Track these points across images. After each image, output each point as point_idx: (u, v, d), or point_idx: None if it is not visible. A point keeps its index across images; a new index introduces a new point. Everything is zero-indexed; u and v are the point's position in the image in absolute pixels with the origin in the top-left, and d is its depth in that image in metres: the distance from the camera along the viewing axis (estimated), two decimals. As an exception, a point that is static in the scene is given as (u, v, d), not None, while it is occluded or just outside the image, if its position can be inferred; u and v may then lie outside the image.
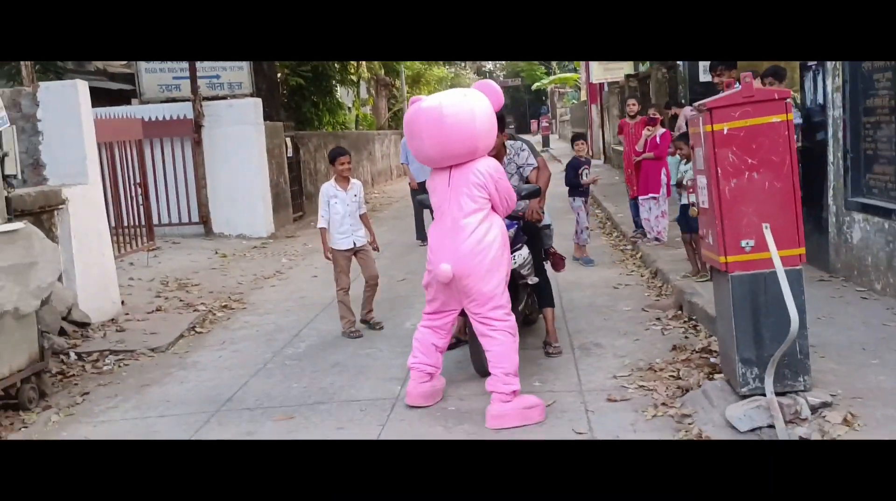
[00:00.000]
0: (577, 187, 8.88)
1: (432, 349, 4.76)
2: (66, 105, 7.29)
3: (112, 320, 7.28)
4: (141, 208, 11.03)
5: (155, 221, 11.82)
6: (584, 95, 31.79)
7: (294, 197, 14.78)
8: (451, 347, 5.82)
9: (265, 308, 7.82)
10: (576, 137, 9.26)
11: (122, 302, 7.77)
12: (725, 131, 3.82)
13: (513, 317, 4.55)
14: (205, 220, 12.71)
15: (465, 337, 5.60)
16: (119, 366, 6.10)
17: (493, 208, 4.59)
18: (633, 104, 9.81)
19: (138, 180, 10.95)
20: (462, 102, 4.46)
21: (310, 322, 7.06)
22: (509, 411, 4.32)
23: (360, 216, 6.58)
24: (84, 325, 6.91)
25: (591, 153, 27.10)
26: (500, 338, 4.44)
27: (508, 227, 5.29)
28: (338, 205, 6.46)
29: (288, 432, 4.49)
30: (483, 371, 5.07)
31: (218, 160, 12.62)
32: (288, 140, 14.66)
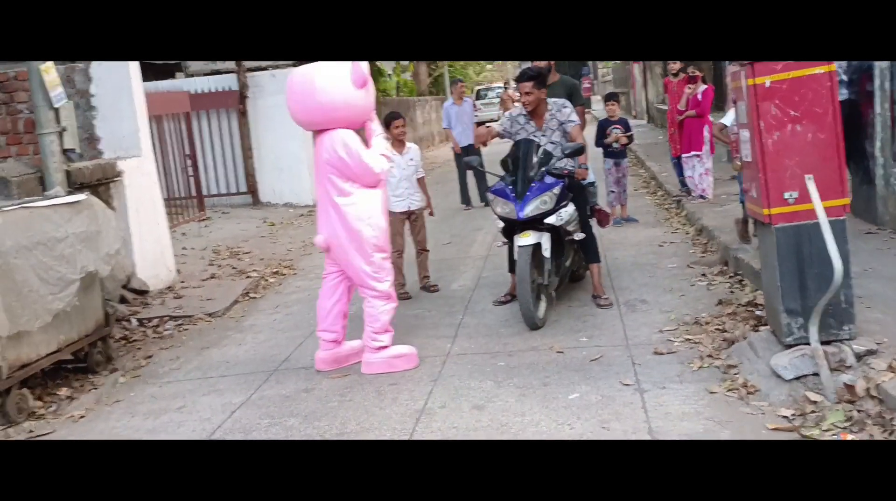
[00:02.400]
0: (606, 148, 8.85)
1: (326, 313, 5.04)
2: (119, 80, 7.49)
3: (169, 287, 7.55)
4: (191, 179, 11.31)
5: (204, 191, 12.10)
6: (625, 55, 31.27)
7: (338, 165, 14.93)
8: (501, 303, 5.98)
9: (315, 273, 8.00)
10: (608, 97, 9.22)
11: (178, 271, 8.03)
12: (768, 84, 3.84)
13: (387, 284, 4.95)
14: (252, 189, 12.96)
15: (514, 293, 5.72)
16: (179, 331, 6.35)
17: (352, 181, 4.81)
18: (675, 62, 9.71)
19: (188, 152, 11.21)
20: (309, 72, 4.74)
21: (359, 286, 7.23)
22: (375, 360, 4.88)
23: (418, 181, 6.69)
24: (143, 292, 7.18)
25: (634, 113, 26.81)
26: (371, 303, 4.92)
27: (554, 185, 5.40)
28: (393, 169, 6.58)
29: (344, 388, 4.67)
30: (533, 326, 5.23)
31: (263, 130, 12.82)
32: (331, 108, 14.76)
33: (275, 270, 8.24)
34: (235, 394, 4.79)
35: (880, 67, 6.22)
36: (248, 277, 7.91)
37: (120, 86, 7.51)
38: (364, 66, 4.72)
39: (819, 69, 3.77)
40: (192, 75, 13.48)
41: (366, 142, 4.96)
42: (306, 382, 4.87)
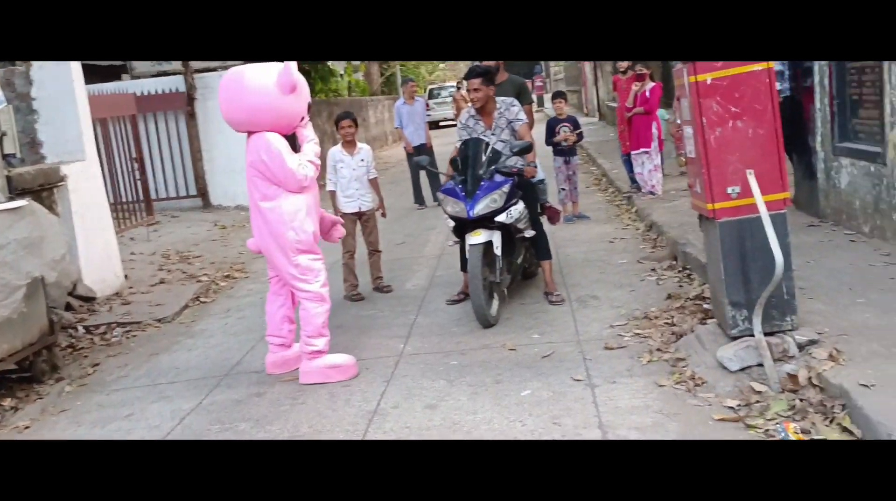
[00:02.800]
0: (555, 146, 8.92)
1: (272, 317, 5.02)
2: (61, 83, 7.33)
3: (117, 293, 7.41)
4: (138, 182, 11.12)
5: (153, 195, 11.91)
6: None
7: (290, 166, 14.82)
8: (454, 302, 6.00)
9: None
10: (556, 96, 9.30)
11: (126, 276, 7.89)
12: (709, 81, 3.91)
13: (317, 285, 4.81)
14: (202, 192, 12.79)
15: (468, 291, 5.73)
16: (127, 337, 6.24)
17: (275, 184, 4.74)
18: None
19: (134, 156, 11.02)
20: (239, 72, 4.68)
21: (312, 288, 7.18)
22: (312, 369, 4.75)
23: (370, 181, 6.67)
24: (89, 299, 7.05)
25: (586, 111, 27.07)
26: (304, 305, 4.80)
27: (503, 183, 5.43)
28: (344, 169, 6.57)
29: (296, 391, 4.64)
30: (486, 324, 5.25)
31: (213, 132, 12.66)
32: (281, 110, 14.65)
33: (226, 273, 8.15)
34: (185, 400, 4.73)
35: (819, 63, 6.37)
36: (198, 281, 7.80)
37: (62, 89, 7.35)
38: (294, 70, 4.60)
39: (758, 66, 3.85)
40: (138, 77, 13.25)
41: (298, 147, 4.88)
42: (258, 386, 4.82)
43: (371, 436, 3.90)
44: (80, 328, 6.44)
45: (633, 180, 9.54)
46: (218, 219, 11.74)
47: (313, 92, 19.39)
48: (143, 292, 7.51)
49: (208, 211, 12.54)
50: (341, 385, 4.64)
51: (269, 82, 4.58)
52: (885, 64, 5.27)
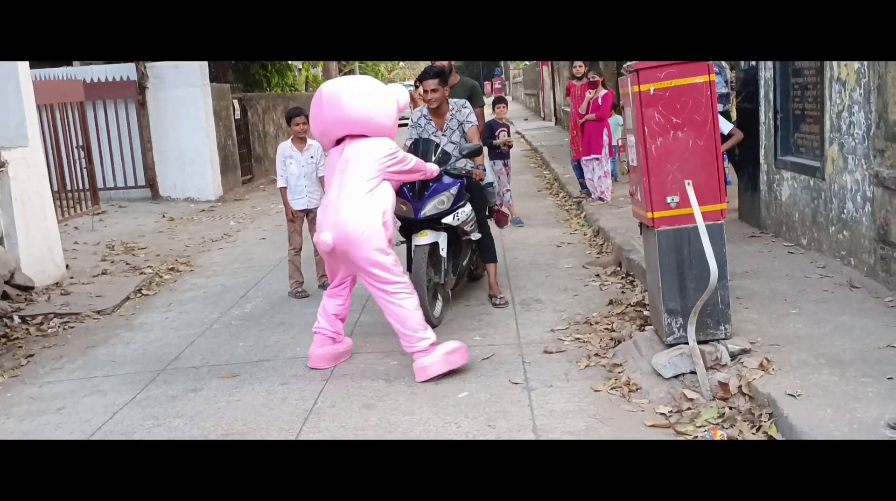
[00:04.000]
0: (493, 149, 8.94)
1: (333, 316, 4.87)
2: (3, 68, 7.15)
3: (56, 283, 7.25)
4: (84, 171, 10.90)
5: (100, 184, 11.70)
6: (535, 57, 31.71)
7: (242, 160, 14.69)
8: None
9: (212, 270, 7.86)
10: (497, 101, 9.35)
11: (67, 266, 7.73)
12: (652, 92, 3.96)
13: (405, 276, 4.66)
14: (151, 183, 12.60)
15: None
16: (64, 329, 6.11)
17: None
18: (580, 66, 9.90)
19: (81, 143, 10.80)
20: (354, 83, 4.85)
21: (257, 283, 7.12)
22: (434, 361, 4.44)
23: (319, 179, 6.60)
24: (27, 289, 6.88)
25: (543, 115, 27.23)
26: (397, 302, 4.53)
27: (452, 185, 5.43)
28: (293, 166, 6.50)
29: (233, 388, 4.58)
30: (429, 324, 5.23)
31: (164, 123, 12.49)
32: (235, 102, 14.52)
33: (171, 266, 8.03)
34: (119, 395, 4.64)
35: (765, 78, 6.50)
36: (141, 273, 7.67)
37: (5, 73, 7.17)
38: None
39: (699, 79, 3.91)
40: (88, 63, 12.97)
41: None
42: (195, 382, 4.75)
43: (305, 435, 3.88)
44: (16, 318, 6.28)
45: (583, 186, 9.63)
46: (166, 211, 11.57)
47: (270, 86, 19.22)
48: (84, 282, 7.36)
49: (157, 202, 12.36)
50: (279, 383, 4.60)
51: (390, 95, 4.85)
52: (827, 81, 5.41)
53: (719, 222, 4.04)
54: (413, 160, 4.90)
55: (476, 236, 5.77)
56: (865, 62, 4.86)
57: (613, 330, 4.95)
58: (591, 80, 9.11)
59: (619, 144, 9.72)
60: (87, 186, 10.97)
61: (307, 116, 6.57)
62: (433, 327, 5.27)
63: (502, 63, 53.30)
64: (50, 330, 6.08)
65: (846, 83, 5.14)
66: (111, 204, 11.74)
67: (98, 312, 6.42)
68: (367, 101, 4.70)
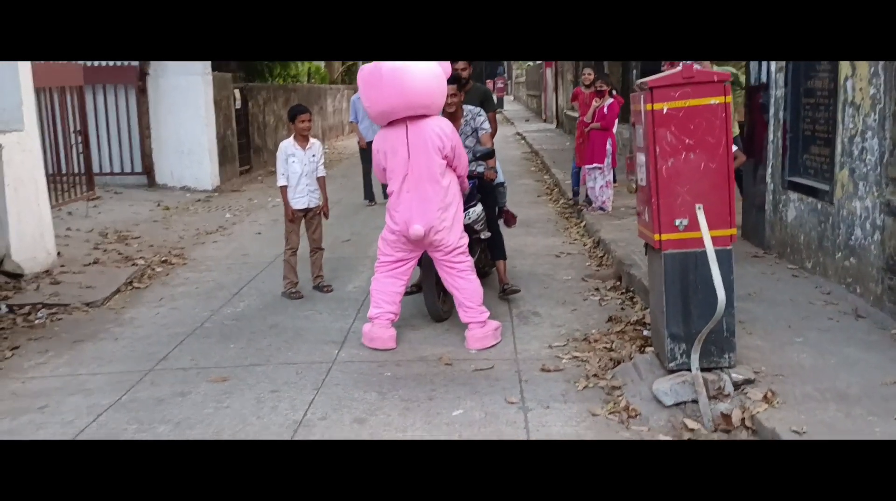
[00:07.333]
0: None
1: (396, 296, 5.19)
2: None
3: (47, 271, 7.13)
4: (81, 156, 10.75)
5: (96, 169, 11.55)
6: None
7: (241, 150, 14.54)
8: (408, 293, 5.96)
9: (206, 265, 7.74)
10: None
11: (59, 254, 7.61)
12: (665, 111, 3.86)
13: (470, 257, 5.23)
14: (148, 170, 12.47)
15: (420, 284, 5.88)
16: (51, 320, 5.99)
17: (448, 165, 5.06)
18: (589, 74, 9.85)
19: (78, 128, 10.65)
20: (411, 65, 4.83)
21: (251, 281, 7.01)
22: (486, 333, 5.10)
23: (318, 179, 6.49)
24: (17, 276, 6.77)
25: (545, 117, 27.11)
26: (466, 278, 5.14)
27: (466, 186, 5.54)
28: (295, 164, 6.39)
29: (222, 393, 4.47)
30: (438, 318, 5.52)
31: (163, 110, 12.35)
32: (236, 92, 14.37)
33: (164, 258, 7.91)
34: (105, 395, 4.52)
35: (776, 96, 6.40)
36: (134, 264, 7.55)
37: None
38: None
39: (714, 100, 3.82)
40: (90, 46, 12.82)
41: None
42: (182, 384, 4.64)
43: (295, 448, 3.77)
44: (3, 307, 6.16)
45: (576, 193, 9.56)
46: (162, 199, 11.44)
47: (272, 76, 19.06)
48: (74, 271, 7.23)
49: (153, 190, 12.22)
50: (269, 390, 4.49)
51: (442, 73, 4.97)
52: (840, 104, 5.31)
53: (728, 247, 3.94)
54: (464, 158, 5.21)
55: (486, 234, 5.89)
56: (881, 88, 4.77)
57: (612, 350, 4.85)
58: (599, 89, 9.02)
59: (628, 161, 9.64)
60: (82, 171, 10.82)
61: (310, 114, 6.48)
62: (440, 320, 5.53)
63: (505, 63, 53.19)
64: (37, 321, 5.96)
65: (860, 108, 5.05)
66: (106, 190, 11.60)
67: (87, 304, 6.30)
68: (429, 81, 4.85)
